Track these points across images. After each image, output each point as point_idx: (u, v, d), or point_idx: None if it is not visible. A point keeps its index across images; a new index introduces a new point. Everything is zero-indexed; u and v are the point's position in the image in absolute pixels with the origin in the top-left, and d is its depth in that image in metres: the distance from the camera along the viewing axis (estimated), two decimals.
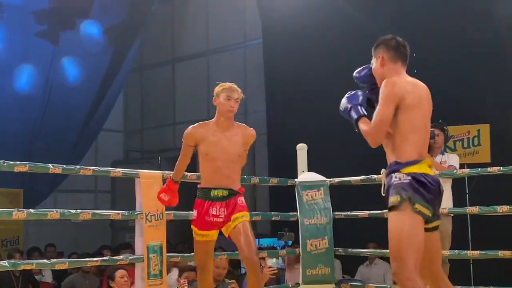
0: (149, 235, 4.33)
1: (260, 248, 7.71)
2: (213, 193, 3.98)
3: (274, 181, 5.45)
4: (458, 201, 5.36)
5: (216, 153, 3.97)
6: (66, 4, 9.66)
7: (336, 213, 5.28)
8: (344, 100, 3.33)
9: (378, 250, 5.30)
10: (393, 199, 3.00)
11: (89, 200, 12.04)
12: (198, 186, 4.11)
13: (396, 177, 3.04)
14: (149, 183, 4.40)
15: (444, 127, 5.48)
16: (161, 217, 4.40)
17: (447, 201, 5.31)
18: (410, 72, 3.24)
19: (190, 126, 4.11)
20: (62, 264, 4.07)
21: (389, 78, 3.14)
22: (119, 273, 4.90)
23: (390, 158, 3.13)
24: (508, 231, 6.47)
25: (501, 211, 4.55)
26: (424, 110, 3.17)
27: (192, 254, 5.10)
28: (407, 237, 2.97)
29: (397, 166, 3.06)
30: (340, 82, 8.19)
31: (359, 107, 3.26)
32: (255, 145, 10.30)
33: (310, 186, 5.26)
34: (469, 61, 7.16)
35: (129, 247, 7.37)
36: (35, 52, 9.56)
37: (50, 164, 3.99)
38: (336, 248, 5.24)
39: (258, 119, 9.87)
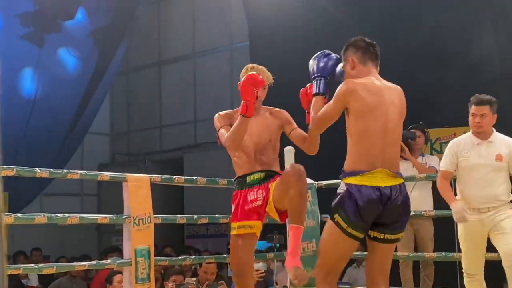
0: (137, 239, 4.31)
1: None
2: (249, 178, 3.61)
3: None
4: (444, 203, 5.38)
5: (246, 141, 3.60)
6: (52, 6, 9.61)
7: (324, 216, 5.29)
8: (316, 60, 3.37)
9: (366, 253, 5.31)
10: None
11: (75, 204, 11.98)
12: (234, 179, 3.77)
13: (340, 187, 3.09)
14: (137, 187, 4.39)
15: (425, 128, 5.53)
16: (149, 221, 4.38)
17: (427, 204, 5.35)
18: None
19: (217, 114, 3.72)
20: (50, 268, 4.05)
21: (349, 80, 3.11)
22: (118, 277, 4.87)
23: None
24: None
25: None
26: (383, 115, 3.05)
27: (180, 257, 5.10)
28: (325, 245, 3.12)
29: (342, 175, 3.09)
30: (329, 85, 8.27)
31: (322, 81, 3.30)
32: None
33: None
34: (456, 64, 7.19)
35: (118, 250, 7.33)
36: (21, 55, 9.51)
37: (37, 168, 3.97)
38: None
39: None
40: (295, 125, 3.72)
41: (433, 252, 5.23)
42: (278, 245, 5.71)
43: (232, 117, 3.66)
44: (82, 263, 4.46)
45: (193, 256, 5.09)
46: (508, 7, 7.10)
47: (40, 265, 4.14)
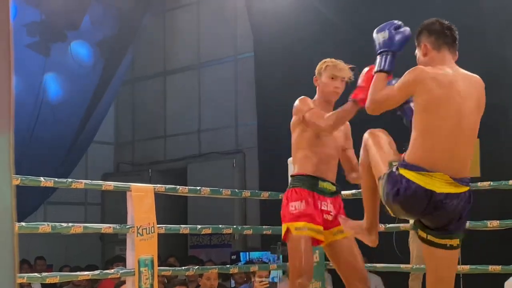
0: (141, 249, 4.32)
1: (251, 262, 7.70)
2: (322, 184, 3.33)
3: (265, 194, 5.45)
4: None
5: (326, 138, 3.34)
6: (58, 16, 9.67)
7: None
8: (385, 32, 2.96)
9: (369, 264, 5.31)
10: None
11: (79, 212, 12.00)
12: (296, 173, 3.42)
13: (394, 172, 2.78)
14: (141, 196, 4.39)
15: None
16: (152, 231, 4.39)
17: None
18: None
19: (300, 98, 3.49)
20: (53, 277, 4.06)
21: (419, 67, 2.78)
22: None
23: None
24: (498, 246, 6.50)
25: (491, 226, 4.58)
26: (455, 111, 2.72)
27: (183, 268, 5.10)
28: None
29: (402, 163, 2.79)
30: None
31: (388, 56, 2.91)
32: (245, 158, 10.41)
33: None
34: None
35: (123, 260, 7.35)
36: (26, 65, 9.56)
37: (42, 178, 3.98)
38: (327, 262, 5.24)
39: (249, 132, 9.91)
40: (351, 143, 3.55)
41: None
42: (281, 256, 5.71)
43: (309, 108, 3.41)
44: (86, 273, 4.46)
45: (197, 267, 5.08)
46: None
47: (44, 274, 4.15)
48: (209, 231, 4.88)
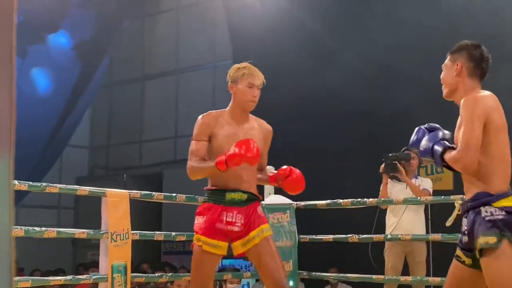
0: (114, 255, 4.30)
1: (224, 269, 7.69)
2: (229, 196, 3.25)
3: None
4: (437, 226, 5.46)
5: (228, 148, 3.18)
6: (36, 18, 9.61)
7: (301, 236, 5.32)
8: (424, 141, 2.86)
9: (342, 275, 5.34)
10: (486, 238, 2.55)
11: (52, 216, 11.90)
12: (206, 188, 3.38)
13: (487, 212, 2.58)
14: (116, 202, 4.38)
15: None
16: (126, 237, 4.38)
17: (419, 226, 5.38)
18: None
19: (201, 115, 3.36)
20: (25, 282, 4.02)
21: (469, 95, 2.69)
22: None
23: (476, 188, 2.67)
24: None
25: None
26: (507, 130, 2.72)
27: (156, 274, 5.09)
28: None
29: (488, 199, 2.60)
30: (310, 104, 8.34)
31: (442, 142, 2.78)
32: None
33: (276, 208, 5.29)
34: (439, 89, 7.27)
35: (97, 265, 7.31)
36: None
37: (16, 181, 3.95)
38: (301, 271, 5.27)
39: None
40: (266, 151, 3.48)
41: (425, 276, 5.24)
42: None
43: (217, 121, 3.33)
44: (58, 278, 4.44)
45: (170, 274, 5.07)
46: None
47: (16, 278, 4.11)
48: (183, 238, 4.87)
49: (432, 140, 2.80)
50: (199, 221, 3.31)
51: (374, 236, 5.08)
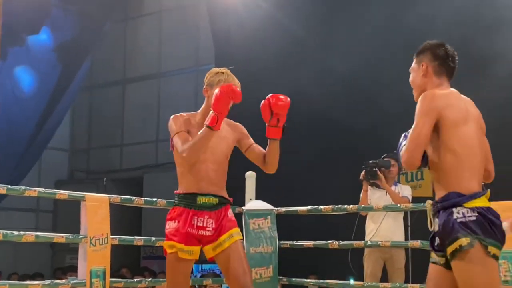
0: (93, 260, 4.26)
1: (205, 275, 7.68)
2: (200, 200, 3.22)
3: None
4: (417, 233, 5.48)
5: (204, 152, 3.19)
6: (18, 20, 9.53)
7: (282, 242, 5.31)
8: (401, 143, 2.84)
9: (321, 281, 5.35)
10: (459, 241, 2.47)
11: (30, 219, 11.79)
12: (177, 192, 3.34)
13: (458, 213, 2.51)
14: (95, 207, 4.34)
15: (398, 158, 5.61)
16: (106, 242, 4.34)
17: (398, 233, 5.40)
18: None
19: (173, 116, 3.35)
20: (3, 286, 3.97)
21: (428, 91, 2.69)
22: None
23: (445, 188, 2.59)
24: None
25: None
26: (476, 127, 2.67)
27: (135, 280, 5.05)
28: None
29: (460, 199, 2.52)
30: (292, 111, 8.33)
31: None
32: None
33: (257, 214, 5.28)
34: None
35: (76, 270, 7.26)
36: None
37: None
38: (280, 277, 5.26)
39: None
40: (252, 140, 3.42)
41: (404, 283, 5.25)
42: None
43: (190, 122, 3.30)
44: (36, 282, 4.38)
45: (150, 279, 5.04)
46: None
47: None
48: (163, 243, 4.83)
49: (404, 139, 2.80)
50: (171, 226, 3.28)
51: (354, 242, 5.09)
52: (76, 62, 10.94)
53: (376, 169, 5.37)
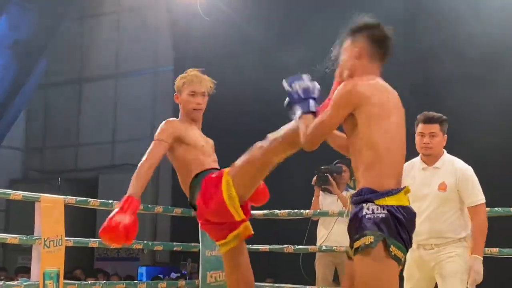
0: (47, 261, 4.22)
1: (159, 278, 7.65)
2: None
3: (178, 211, 5.44)
4: None
5: (202, 143, 3.16)
6: None
7: None
8: (295, 84, 2.74)
9: (276, 285, 5.39)
10: (364, 239, 2.40)
11: None
12: (196, 172, 3.12)
13: (368, 209, 2.43)
14: (50, 208, 4.30)
15: (350, 164, 5.69)
16: (60, 243, 4.30)
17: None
18: None
19: (165, 121, 3.17)
20: None
21: (350, 83, 2.52)
22: None
23: (361, 182, 2.52)
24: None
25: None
26: (399, 119, 2.54)
27: (89, 282, 5.01)
28: None
29: (371, 196, 2.44)
30: (249, 112, 8.36)
31: (310, 102, 2.65)
32: (159, 172, 10.34)
33: None
34: None
35: (27, 271, 7.16)
36: None
37: None
38: None
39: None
40: None
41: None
42: (185, 272, 5.72)
43: (180, 129, 3.16)
44: None
45: (104, 281, 5.01)
46: None
47: None
48: (118, 245, 4.81)
49: (304, 94, 2.68)
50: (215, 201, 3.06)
51: (309, 247, 5.15)
52: (32, 60, 10.79)
53: (328, 174, 5.44)
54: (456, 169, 3.59)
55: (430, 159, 3.66)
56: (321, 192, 5.54)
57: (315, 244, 5.39)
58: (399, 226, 2.41)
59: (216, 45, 8.74)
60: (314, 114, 2.63)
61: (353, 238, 2.46)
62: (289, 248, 5.07)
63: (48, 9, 10.58)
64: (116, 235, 2.83)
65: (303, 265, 5.47)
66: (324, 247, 5.20)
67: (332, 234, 5.36)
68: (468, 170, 3.61)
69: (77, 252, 8.64)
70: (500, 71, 6.96)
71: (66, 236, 4.38)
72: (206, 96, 3.25)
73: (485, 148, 6.58)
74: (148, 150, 3.10)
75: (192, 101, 3.20)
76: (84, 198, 4.66)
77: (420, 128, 3.64)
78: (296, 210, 5.08)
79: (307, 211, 5.14)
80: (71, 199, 4.50)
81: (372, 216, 2.41)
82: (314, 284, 5.29)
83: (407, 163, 3.40)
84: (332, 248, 5.13)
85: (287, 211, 5.10)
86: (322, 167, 5.49)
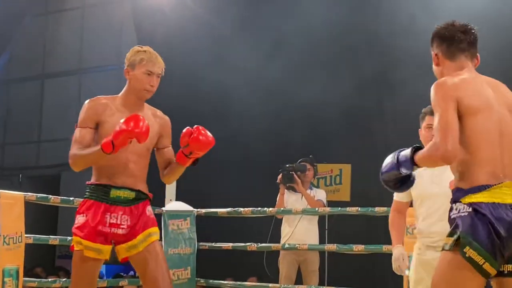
0: (6, 259, 4.15)
1: (120, 275, 7.58)
2: (114, 193, 2.92)
3: None
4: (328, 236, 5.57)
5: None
6: None
7: (201, 243, 5.32)
8: (386, 161, 2.52)
9: (239, 283, 5.39)
10: (447, 239, 2.29)
11: None
12: (88, 182, 3.01)
13: (455, 209, 2.31)
14: (10, 204, 4.23)
15: (314, 162, 5.74)
16: (20, 240, 4.24)
17: (312, 236, 5.51)
18: None
19: (88, 100, 3.01)
20: None
21: (439, 80, 2.44)
22: None
23: (454, 183, 2.39)
24: (362, 269, 6.79)
25: (356, 250, 4.78)
26: (498, 114, 2.37)
27: (49, 280, 4.94)
28: None
29: (458, 195, 2.32)
30: (212, 111, 8.34)
31: (404, 150, 2.47)
32: None
33: (176, 215, 5.28)
34: (337, 103, 7.46)
35: None
36: None
37: None
38: (198, 279, 5.27)
39: None
40: (169, 142, 3.15)
41: (318, 285, 5.35)
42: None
43: (106, 108, 2.99)
44: None
45: (64, 279, 4.94)
46: None
47: None
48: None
49: (394, 154, 2.49)
50: (79, 221, 2.93)
51: (272, 245, 5.17)
52: None
53: (293, 172, 5.48)
54: None
55: None
56: (285, 190, 5.57)
57: (278, 242, 5.40)
58: (487, 227, 2.20)
59: (182, 41, 8.69)
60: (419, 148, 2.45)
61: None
62: (252, 246, 5.07)
63: (11, 3, 10.39)
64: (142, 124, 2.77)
65: (267, 263, 5.49)
66: (287, 245, 5.21)
67: (296, 232, 5.39)
68: None
69: (38, 250, 8.54)
70: None
71: (27, 234, 4.32)
72: (159, 78, 3.04)
73: None
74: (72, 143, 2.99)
75: (146, 81, 2.98)
76: (45, 195, 4.60)
77: (428, 120, 3.39)
78: (259, 208, 5.09)
79: (271, 209, 5.15)
80: (32, 196, 4.43)
81: (456, 216, 2.29)
82: (277, 282, 5.31)
83: None
84: (295, 246, 5.15)
85: (250, 209, 5.11)
86: (287, 165, 5.52)
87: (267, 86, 7.76)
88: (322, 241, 5.77)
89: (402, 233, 3.50)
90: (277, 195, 5.58)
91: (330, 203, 5.91)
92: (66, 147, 10.92)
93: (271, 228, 5.48)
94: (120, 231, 2.92)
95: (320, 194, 5.65)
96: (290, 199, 5.57)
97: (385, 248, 4.53)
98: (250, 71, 7.72)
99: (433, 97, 2.36)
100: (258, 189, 6.81)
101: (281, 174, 5.54)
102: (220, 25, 8.44)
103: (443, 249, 2.28)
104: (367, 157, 7.48)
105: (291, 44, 7.79)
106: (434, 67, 2.54)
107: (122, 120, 2.77)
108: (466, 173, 2.32)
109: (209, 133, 2.98)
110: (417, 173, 3.13)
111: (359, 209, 4.82)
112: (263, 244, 5.11)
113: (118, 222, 2.91)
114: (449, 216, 2.34)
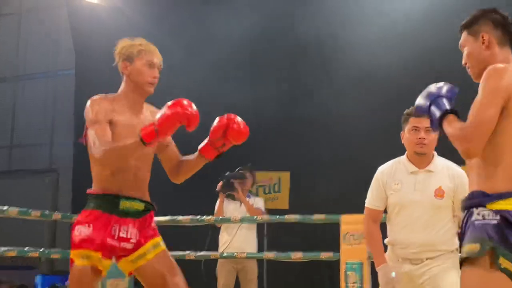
0: None
1: (56, 286, 7.43)
2: (123, 204, 2.62)
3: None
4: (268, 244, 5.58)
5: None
6: None
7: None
8: (421, 96, 2.33)
9: None
10: (471, 246, 2.10)
11: None
12: (90, 191, 2.69)
13: (479, 215, 2.13)
14: None
15: (253, 171, 5.77)
16: None
17: (251, 244, 5.51)
18: None
19: (91, 98, 2.69)
20: None
21: (494, 65, 2.17)
22: None
23: (474, 185, 2.20)
24: (301, 277, 6.84)
25: (295, 257, 4.81)
26: None
27: None
28: None
29: (483, 199, 2.13)
30: None
31: (444, 100, 2.27)
32: (59, 178, 10.05)
33: None
34: (275, 112, 7.51)
35: None
36: None
37: None
38: None
39: (65, 152, 9.59)
40: (171, 140, 2.87)
41: None
42: None
43: (114, 108, 2.67)
44: None
45: None
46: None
47: None
48: (13, 253, 4.66)
49: (430, 98, 2.29)
50: (83, 232, 2.59)
51: (210, 253, 5.15)
52: None
53: (233, 181, 5.50)
54: (454, 175, 3.15)
55: (422, 160, 3.18)
56: (224, 198, 5.57)
57: (216, 251, 5.39)
58: None
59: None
60: (455, 114, 2.25)
61: (461, 245, 2.19)
62: (190, 255, 5.05)
63: None
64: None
65: (205, 272, 5.46)
66: (225, 254, 5.21)
67: (235, 240, 5.39)
68: (465, 177, 3.06)
69: None
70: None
71: None
72: (160, 70, 2.80)
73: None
74: (92, 139, 2.60)
75: (148, 74, 2.71)
76: None
77: (413, 122, 3.15)
78: (198, 217, 5.07)
79: (210, 217, 5.14)
80: None
81: (482, 223, 2.11)
82: None
83: (387, 164, 3.25)
84: (233, 255, 5.14)
85: (189, 217, 5.08)
86: (227, 173, 5.53)
87: (208, 89, 7.70)
88: (260, 249, 5.78)
89: (382, 247, 3.20)
90: (216, 203, 5.57)
91: (269, 211, 5.94)
92: (1, 155, 10.67)
93: (208, 237, 5.46)
94: (129, 246, 2.66)
95: (259, 202, 5.68)
96: (229, 207, 5.57)
97: (322, 255, 4.59)
98: (189, 74, 7.68)
99: (485, 82, 2.14)
100: (196, 197, 6.78)
101: (220, 182, 5.54)
102: (158, 32, 8.39)
103: (465, 257, 2.11)
104: (305, 165, 7.55)
105: (226, 49, 7.80)
106: (478, 50, 2.28)
107: (168, 103, 2.48)
108: (491, 176, 2.14)
109: (242, 121, 2.73)
110: (395, 179, 3.15)
111: (297, 217, 4.86)
112: (202, 253, 5.09)
113: (128, 236, 2.65)
114: (466, 221, 2.17)
